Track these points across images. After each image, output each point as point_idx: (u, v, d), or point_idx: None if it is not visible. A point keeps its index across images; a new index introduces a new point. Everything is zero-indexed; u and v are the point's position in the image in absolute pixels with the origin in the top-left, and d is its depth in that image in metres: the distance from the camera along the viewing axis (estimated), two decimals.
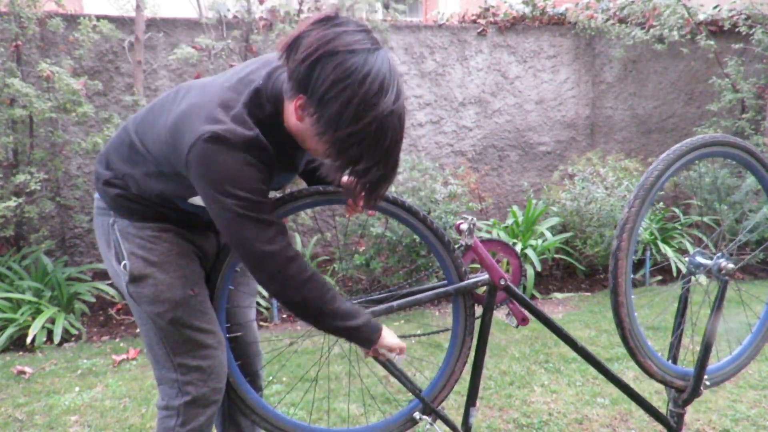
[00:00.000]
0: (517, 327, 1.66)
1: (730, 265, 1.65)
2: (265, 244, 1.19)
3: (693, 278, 1.74)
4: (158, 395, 1.44)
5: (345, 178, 1.49)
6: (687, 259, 1.74)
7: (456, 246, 1.58)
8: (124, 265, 1.34)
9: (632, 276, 1.59)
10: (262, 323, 3.84)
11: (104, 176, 1.37)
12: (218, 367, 1.40)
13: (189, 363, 1.37)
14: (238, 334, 1.61)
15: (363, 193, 1.18)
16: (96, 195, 1.42)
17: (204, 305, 1.39)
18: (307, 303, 1.27)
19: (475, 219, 1.55)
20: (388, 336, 1.39)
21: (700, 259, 1.72)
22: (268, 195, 1.25)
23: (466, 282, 1.57)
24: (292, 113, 1.16)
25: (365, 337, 1.35)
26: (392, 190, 3.60)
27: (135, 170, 1.32)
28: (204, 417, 1.39)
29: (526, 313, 1.64)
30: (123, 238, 1.35)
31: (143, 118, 1.32)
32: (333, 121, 1.05)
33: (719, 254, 1.69)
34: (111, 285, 3.88)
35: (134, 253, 1.33)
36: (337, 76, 1.02)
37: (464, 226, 1.54)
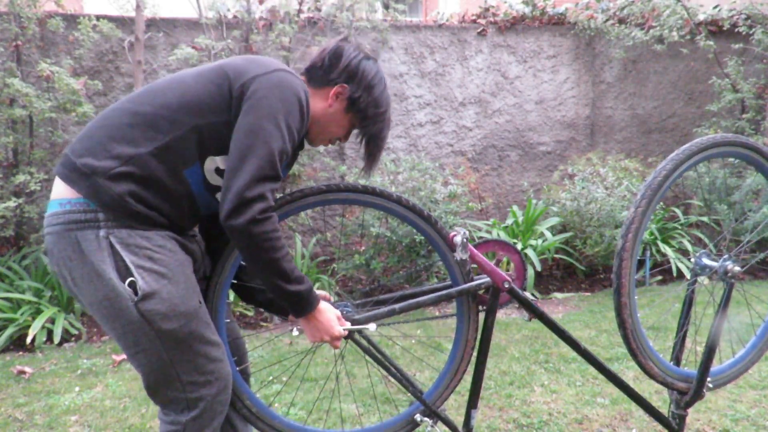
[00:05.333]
0: (530, 320, 1.64)
1: (737, 268, 1.64)
2: (253, 184, 1.21)
3: (698, 280, 1.73)
4: (159, 408, 1.39)
5: None
6: (693, 260, 1.73)
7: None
8: (131, 282, 1.21)
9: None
10: (261, 323, 3.84)
11: (108, 168, 1.22)
12: (226, 379, 1.38)
13: (198, 380, 1.32)
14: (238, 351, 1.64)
15: (369, 147, 1.53)
16: (65, 207, 1.23)
17: (208, 316, 1.38)
18: (258, 259, 1.26)
19: (466, 231, 1.50)
20: (327, 311, 1.40)
21: (706, 261, 1.70)
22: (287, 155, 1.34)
23: (468, 284, 1.55)
24: (321, 100, 1.46)
25: (303, 305, 1.34)
26: (392, 191, 3.60)
27: (147, 145, 1.25)
28: (210, 429, 1.38)
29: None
30: (126, 251, 1.22)
31: (149, 91, 1.32)
32: (378, 97, 1.49)
33: (726, 256, 1.67)
34: None
35: (143, 267, 1.22)
36: (375, 70, 1.51)
37: (458, 239, 1.48)
